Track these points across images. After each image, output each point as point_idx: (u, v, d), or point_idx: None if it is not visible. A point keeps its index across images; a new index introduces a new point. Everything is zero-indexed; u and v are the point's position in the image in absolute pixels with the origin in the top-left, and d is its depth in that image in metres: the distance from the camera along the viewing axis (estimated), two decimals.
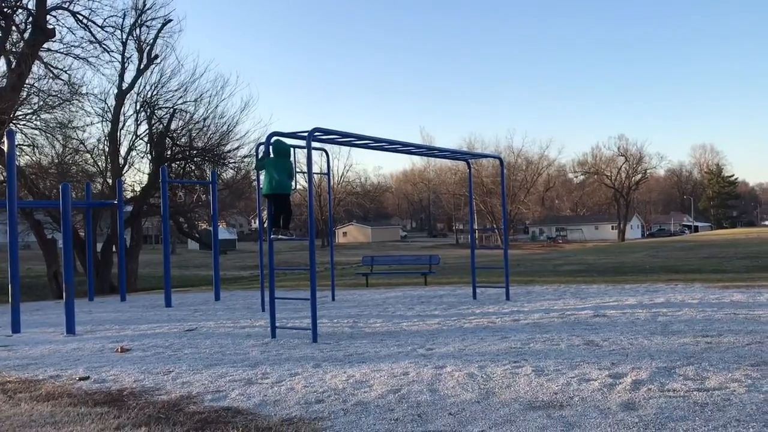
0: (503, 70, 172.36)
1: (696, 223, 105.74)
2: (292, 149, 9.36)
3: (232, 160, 27.38)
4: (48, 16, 21.79)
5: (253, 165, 21.30)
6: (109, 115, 25.55)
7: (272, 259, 9.20)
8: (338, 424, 4.57)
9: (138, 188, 27.32)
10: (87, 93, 25.37)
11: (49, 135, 24.45)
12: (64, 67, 23.29)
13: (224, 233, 72.34)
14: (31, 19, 21.52)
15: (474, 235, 14.30)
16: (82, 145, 26.44)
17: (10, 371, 7.05)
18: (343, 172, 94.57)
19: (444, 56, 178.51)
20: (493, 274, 17.80)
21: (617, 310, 10.10)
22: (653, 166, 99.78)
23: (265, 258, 11.02)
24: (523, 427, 4.34)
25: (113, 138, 25.31)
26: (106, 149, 25.91)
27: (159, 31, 25.46)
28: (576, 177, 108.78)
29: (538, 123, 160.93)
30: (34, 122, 23.14)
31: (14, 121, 21.30)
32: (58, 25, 22.42)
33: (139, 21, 25.02)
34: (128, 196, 25.12)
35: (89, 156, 26.68)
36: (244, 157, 27.33)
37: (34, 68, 22.06)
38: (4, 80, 21.25)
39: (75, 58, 22.90)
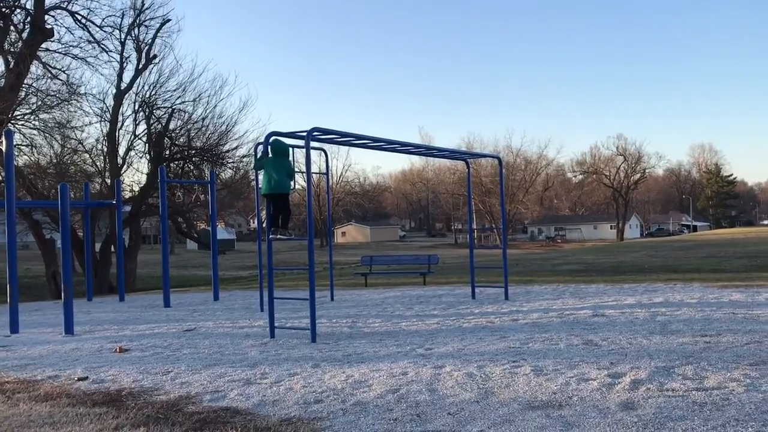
0: (502, 69, 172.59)
1: (695, 223, 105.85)
2: (290, 149, 9.36)
3: (231, 160, 27.42)
4: (46, 16, 21.78)
5: (252, 165, 21.28)
6: (108, 115, 25.55)
7: (271, 259, 9.19)
8: (337, 424, 4.57)
9: (136, 188, 27.35)
10: (85, 93, 25.44)
11: (47, 135, 24.45)
12: (63, 67, 23.30)
13: (223, 233, 72.34)
14: (29, 18, 21.50)
15: (473, 234, 14.30)
16: (80, 145, 26.42)
17: (8, 371, 7.04)
18: (341, 172, 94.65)
19: (443, 56, 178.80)
20: (491, 274, 17.81)
21: (616, 310, 10.10)
22: (652, 165, 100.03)
23: (263, 258, 11.02)
24: (522, 426, 4.34)
25: (112, 138, 25.30)
26: (105, 149, 25.90)
27: (157, 30, 25.47)
28: (575, 176, 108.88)
29: (536, 122, 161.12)
30: (33, 122, 23.14)
31: (12, 121, 21.28)
32: (56, 24, 22.45)
33: (137, 21, 25.03)
34: (127, 196, 25.10)
35: (88, 156, 26.67)
36: (243, 156, 27.38)
37: (33, 68, 22.06)
38: (2, 80, 21.21)
39: (73, 58, 22.91)
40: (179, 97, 25.74)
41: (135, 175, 42.39)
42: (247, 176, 28.36)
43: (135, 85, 25.58)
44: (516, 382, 5.57)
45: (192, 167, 27.03)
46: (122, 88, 25.44)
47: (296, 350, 7.73)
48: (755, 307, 9.75)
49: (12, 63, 21.13)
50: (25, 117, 22.61)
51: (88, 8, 23.37)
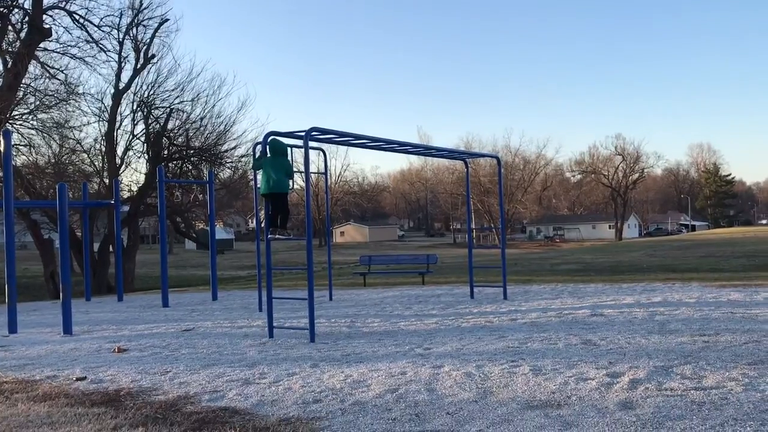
0: (501, 69, 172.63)
1: (693, 222, 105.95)
2: (289, 148, 9.35)
3: (229, 160, 27.39)
4: (44, 16, 21.74)
5: (251, 164, 21.28)
6: (106, 115, 25.54)
7: (269, 259, 9.19)
8: (336, 424, 4.56)
9: (135, 188, 27.33)
10: (84, 93, 25.41)
11: (45, 135, 24.41)
12: (61, 67, 23.25)
13: (221, 233, 72.29)
14: (27, 18, 21.45)
15: (471, 234, 14.31)
16: (78, 145, 26.39)
17: (6, 371, 7.03)
18: (340, 172, 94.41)
19: (443, 56, 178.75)
20: (490, 274, 17.81)
21: (615, 309, 10.11)
22: (650, 165, 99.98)
23: (262, 258, 11.01)
24: (520, 426, 4.34)
25: (110, 138, 25.28)
26: (103, 149, 25.89)
27: (156, 30, 25.46)
28: (573, 176, 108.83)
29: (535, 122, 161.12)
30: (31, 122, 23.09)
31: (11, 121, 21.24)
32: (54, 24, 22.40)
33: (135, 20, 25.02)
34: (125, 196, 25.10)
35: (86, 156, 26.64)
36: (242, 156, 27.34)
37: (31, 68, 22.00)
38: (0, 80, 21.18)
39: (71, 57, 22.86)
40: (177, 96, 25.77)
41: (133, 175, 42.28)
42: (245, 176, 28.37)
43: (133, 85, 25.61)
44: (515, 381, 5.58)
45: (190, 167, 27.01)
46: (120, 87, 25.44)
47: (295, 350, 7.73)
48: (753, 307, 9.76)
49: (10, 63, 21.10)
50: (23, 117, 22.57)
51: (86, 8, 23.30)
